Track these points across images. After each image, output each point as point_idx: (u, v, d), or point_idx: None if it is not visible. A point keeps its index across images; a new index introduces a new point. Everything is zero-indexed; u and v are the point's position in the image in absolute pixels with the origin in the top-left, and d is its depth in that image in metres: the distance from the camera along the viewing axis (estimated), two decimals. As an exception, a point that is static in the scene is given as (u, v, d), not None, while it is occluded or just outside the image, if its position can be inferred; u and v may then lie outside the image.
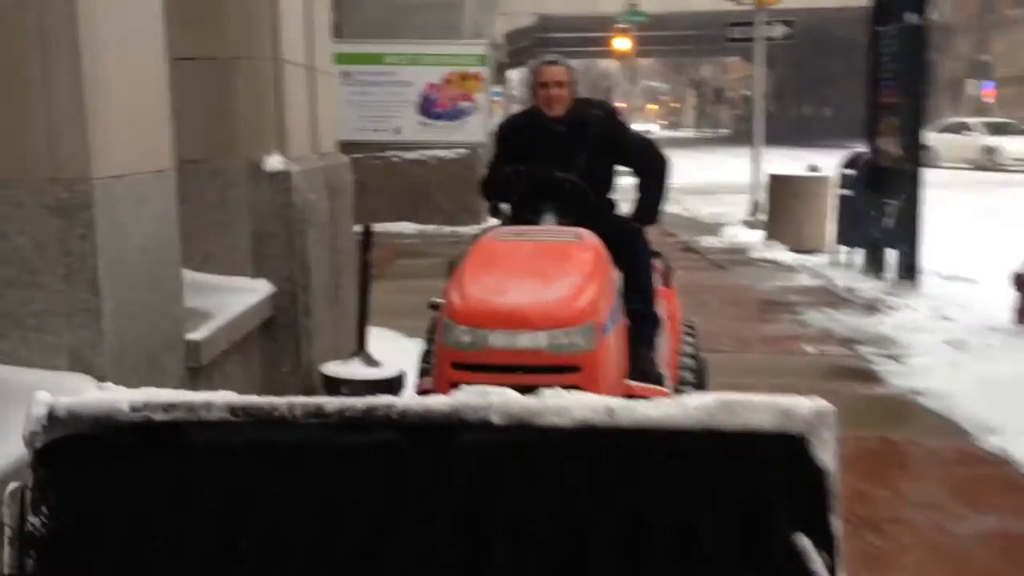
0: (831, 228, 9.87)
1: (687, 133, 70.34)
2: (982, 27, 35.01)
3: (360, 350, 4.41)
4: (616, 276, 3.15)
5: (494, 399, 1.61)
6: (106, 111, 2.59)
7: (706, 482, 1.53)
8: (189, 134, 4.08)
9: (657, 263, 3.67)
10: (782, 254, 9.91)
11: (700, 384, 3.71)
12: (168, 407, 1.69)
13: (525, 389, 2.64)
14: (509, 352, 2.59)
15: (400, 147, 12.32)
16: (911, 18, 6.99)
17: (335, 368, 4.27)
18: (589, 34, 39.59)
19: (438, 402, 1.63)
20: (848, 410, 4.92)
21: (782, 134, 43.15)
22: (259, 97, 4.14)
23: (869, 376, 5.33)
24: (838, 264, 8.96)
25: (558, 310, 2.63)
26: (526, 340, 2.59)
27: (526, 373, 2.56)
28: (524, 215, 3.51)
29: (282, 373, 4.24)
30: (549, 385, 2.65)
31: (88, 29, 2.49)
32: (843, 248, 9.01)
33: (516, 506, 1.69)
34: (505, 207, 3.70)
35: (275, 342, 4.22)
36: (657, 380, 3.24)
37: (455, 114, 12.12)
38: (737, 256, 10.14)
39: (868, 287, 7.69)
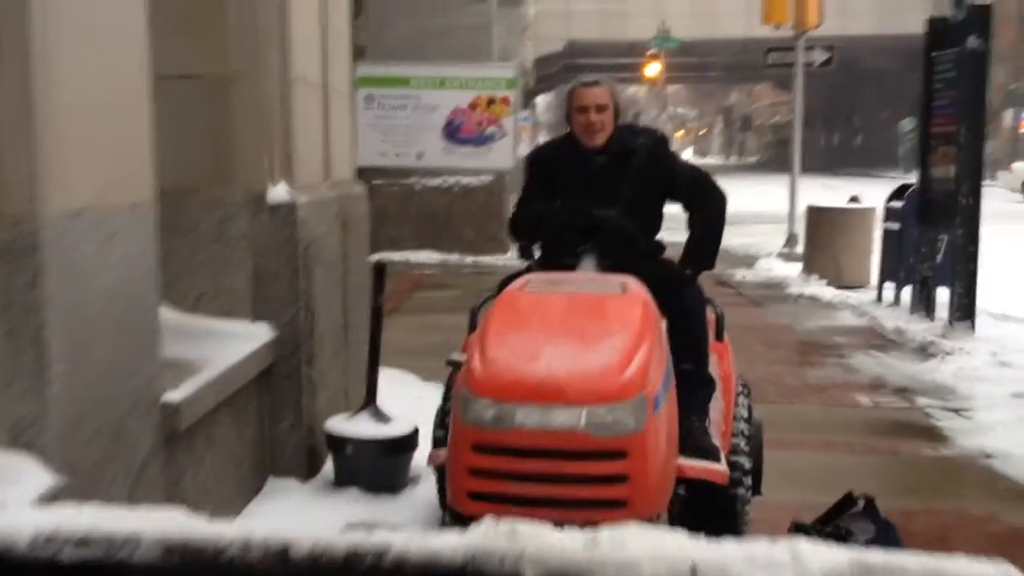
0: (874, 263, 9.37)
1: (715, 160, 69.86)
2: (1018, 56, 34.31)
3: (369, 403, 3.96)
4: (665, 332, 2.67)
5: (527, 544, 1.14)
6: (64, 131, 2.17)
7: None
8: (183, 160, 3.68)
9: (708, 312, 3.20)
10: (822, 290, 9.39)
11: (754, 452, 3.23)
12: (82, 541, 1.24)
13: (559, 479, 2.24)
14: (540, 433, 2.12)
15: (423, 173, 11.94)
16: (974, 43, 6.50)
17: (340, 425, 3.84)
18: (618, 60, 39.32)
19: (449, 546, 1.17)
20: (914, 475, 4.44)
21: (812, 162, 42.46)
22: (264, 119, 3.73)
23: (932, 433, 4.82)
24: (883, 302, 8.44)
25: (601, 381, 2.16)
26: (562, 418, 2.13)
27: (561, 459, 2.10)
28: (559, 259, 3.05)
29: (280, 430, 3.80)
30: (589, 475, 2.23)
31: (43, 27, 2.08)
32: (888, 285, 8.49)
33: None
34: (536, 249, 3.24)
35: (274, 394, 3.79)
36: (712, 455, 2.77)
37: (481, 139, 11.72)
38: (774, 291, 9.64)
39: (919, 328, 7.16)
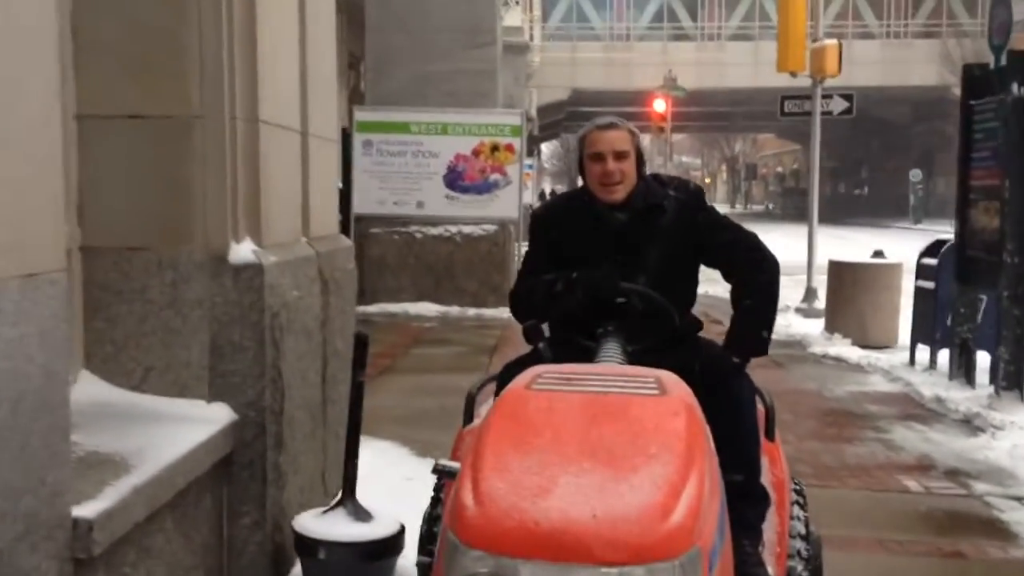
0: (903, 323, 8.80)
1: (720, 209, 69.50)
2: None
3: (347, 497, 3.37)
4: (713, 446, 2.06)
5: None
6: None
7: None
8: (131, 213, 3.16)
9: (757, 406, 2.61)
10: (846, 350, 8.80)
11: (814, 576, 2.62)
12: None
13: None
14: (555, 603, 1.54)
15: (423, 221, 11.42)
16: (1018, 90, 5.97)
17: (311, 523, 3.24)
18: (623, 109, 39.18)
19: None
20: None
21: (819, 212, 42.15)
22: (227, 167, 3.19)
23: (997, 529, 4.20)
24: (917, 365, 7.84)
25: (640, 530, 1.56)
26: (585, 582, 1.54)
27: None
28: (574, 342, 2.48)
29: (240, 529, 3.21)
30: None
31: None
32: (921, 347, 7.90)
33: None
34: (546, 329, 2.64)
35: (233, 486, 3.20)
36: (771, 596, 2.17)
37: (485, 187, 11.21)
38: (795, 351, 9.03)
39: (961, 397, 6.55)
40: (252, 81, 3.28)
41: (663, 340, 2.47)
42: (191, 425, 3.01)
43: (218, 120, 3.18)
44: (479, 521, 1.60)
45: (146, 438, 2.81)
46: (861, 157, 51.66)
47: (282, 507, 3.34)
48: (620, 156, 2.68)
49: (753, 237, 2.75)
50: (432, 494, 2.95)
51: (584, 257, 2.62)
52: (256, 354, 3.21)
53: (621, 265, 2.56)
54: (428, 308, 11.18)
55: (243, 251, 3.21)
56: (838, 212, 44.81)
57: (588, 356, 2.41)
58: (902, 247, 14.89)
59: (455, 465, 2.18)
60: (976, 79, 6.71)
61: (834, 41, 10.89)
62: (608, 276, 2.48)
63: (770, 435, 2.64)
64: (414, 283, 11.35)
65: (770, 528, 2.46)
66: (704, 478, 1.71)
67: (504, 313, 11.41)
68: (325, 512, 3.30)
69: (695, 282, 2.79)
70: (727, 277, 2.74)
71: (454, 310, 11.20)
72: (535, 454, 1.71)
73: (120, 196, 3.15)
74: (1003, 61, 6.46)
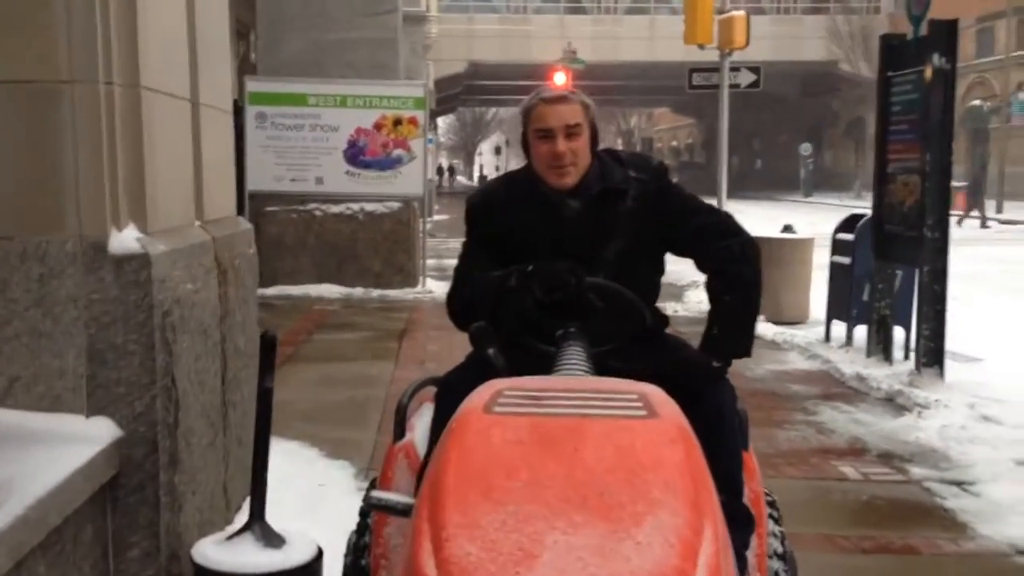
0: (814, 298, 8.79)
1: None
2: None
3: (255, 519, 2.94)
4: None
5: None
6: None
7: None
8: (-13, 196, 2.65)
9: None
10: (761, 326, 8.68)
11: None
12: None
13: None
14: None
15: (324, 199, 10.86)
16: (939, 61, 5.86)
17: (214, 552, 2.79)
18: (521, 82, 38.88)
19: None
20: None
21: (713, 185, 42.70)
22: (104, 142, 2.72)
23: (943, 519, 4.06)
24: (832, 341, 7.78)
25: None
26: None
27: None
28: (530, 346, 2.12)
29: (130, 562, 2.76)
30: None
31: None
32: (836, 323, 7.85)
33: None
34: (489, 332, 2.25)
35: (119, 513, 2.75)
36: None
37: (387, 163, 10.71)
38: (710, 328, 8.88)
39: (881, 375, 6.48)
40: (132, 40, 2.80)
41: (632, 341, 2.14)
42: (66, 446, 2.56)
43: (92, 86, 2.70)
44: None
45: (10, 465, 2.36)
46: (754, 131, 52.71)
47: (178, 533, 2.91)
48: (572, 134, 2.32)
49: (729, 219, 2.44)
50: (358, 519, 2.57)
51: (531, 251, 2.25)
52: (144, 359, 2.75)
53: (575, 259, 2.20)
54: (330, 290, 10.67)
55: (126, 239, 2.75)
56: (732, 186, 45.65)
57: (546, 362, 2.07)
58: (799, 220, 15.02)
59: (396, 498, 1.81)
60: (895, 51, 6.60)
61: (742, 12, 10.79)
62: (570, 269, 2.13)
63: (744, 444, 2.35)
64: (315, 264, 10.81)
65: (751, 552, 2.18)
66: (718, 527, 1.39)
67: (410, 294, 11.00)
68: (230, 538, 2.87)
69: (660, 273, 2.47)
70: (701, 267, 2.43)
71: (358, 291, 10.72)
72: (510, 504, 1.35)
73: (-28, 176, 2.64)
74: (922, 32, 6.36)
